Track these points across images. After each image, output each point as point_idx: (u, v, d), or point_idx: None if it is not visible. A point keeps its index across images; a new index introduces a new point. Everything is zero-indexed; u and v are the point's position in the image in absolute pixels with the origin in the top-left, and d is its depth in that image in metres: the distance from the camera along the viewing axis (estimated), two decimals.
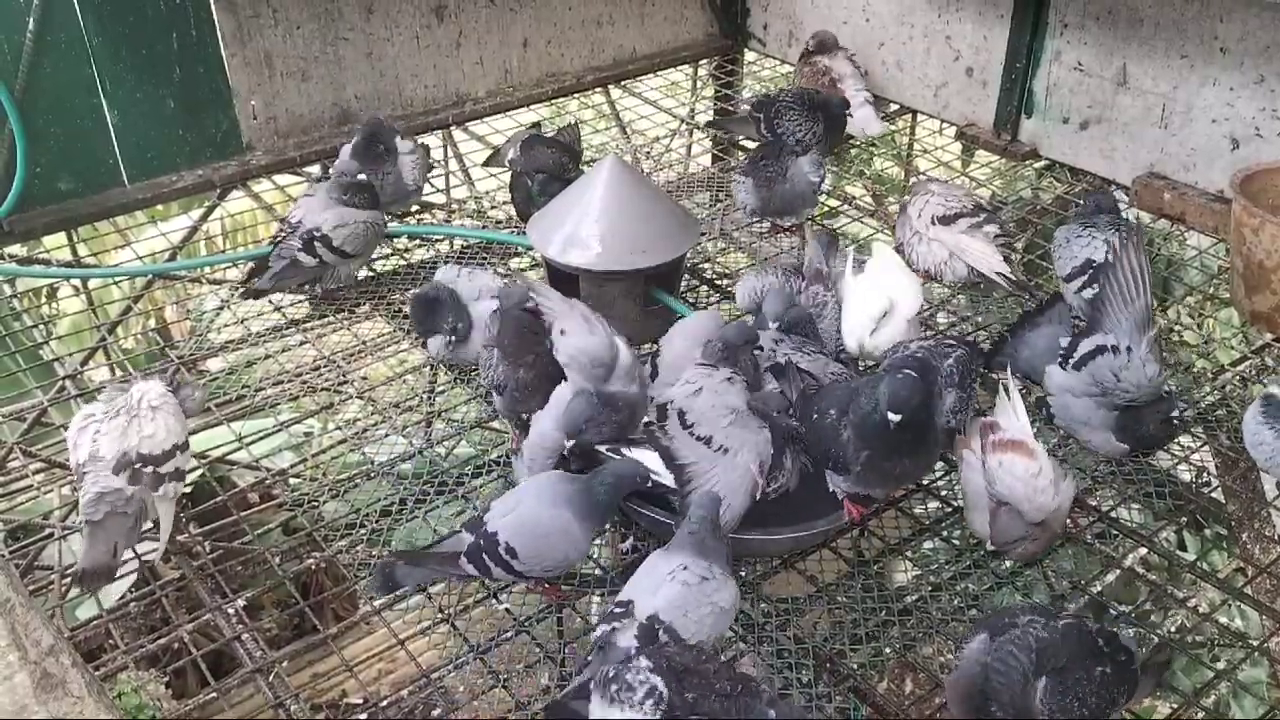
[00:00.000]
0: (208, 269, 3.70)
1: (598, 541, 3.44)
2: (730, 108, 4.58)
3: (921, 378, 2.18)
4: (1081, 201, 3.29)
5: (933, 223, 3.04)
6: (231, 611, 2.39)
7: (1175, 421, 2.47)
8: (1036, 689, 1.85)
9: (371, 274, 3.40)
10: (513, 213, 3.59)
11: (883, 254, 2.87)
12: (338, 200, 3.14)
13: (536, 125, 4.00)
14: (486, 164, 3.90)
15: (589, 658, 1.97)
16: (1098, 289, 2.49)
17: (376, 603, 2.39)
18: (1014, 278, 2.99)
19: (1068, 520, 2.38)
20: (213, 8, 3.51)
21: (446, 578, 2.23)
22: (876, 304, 2.66)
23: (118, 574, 2.32)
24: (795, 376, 2.40)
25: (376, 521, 2.46)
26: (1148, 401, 2.43)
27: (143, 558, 2.45)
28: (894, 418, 2.10)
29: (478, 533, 2.15)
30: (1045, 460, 2.25)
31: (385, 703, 2.27)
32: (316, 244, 3.07)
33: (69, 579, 2.58)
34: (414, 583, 2.23)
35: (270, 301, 3.30)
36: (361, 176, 3.27)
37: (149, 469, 2.26)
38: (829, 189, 3.74)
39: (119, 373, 3.48)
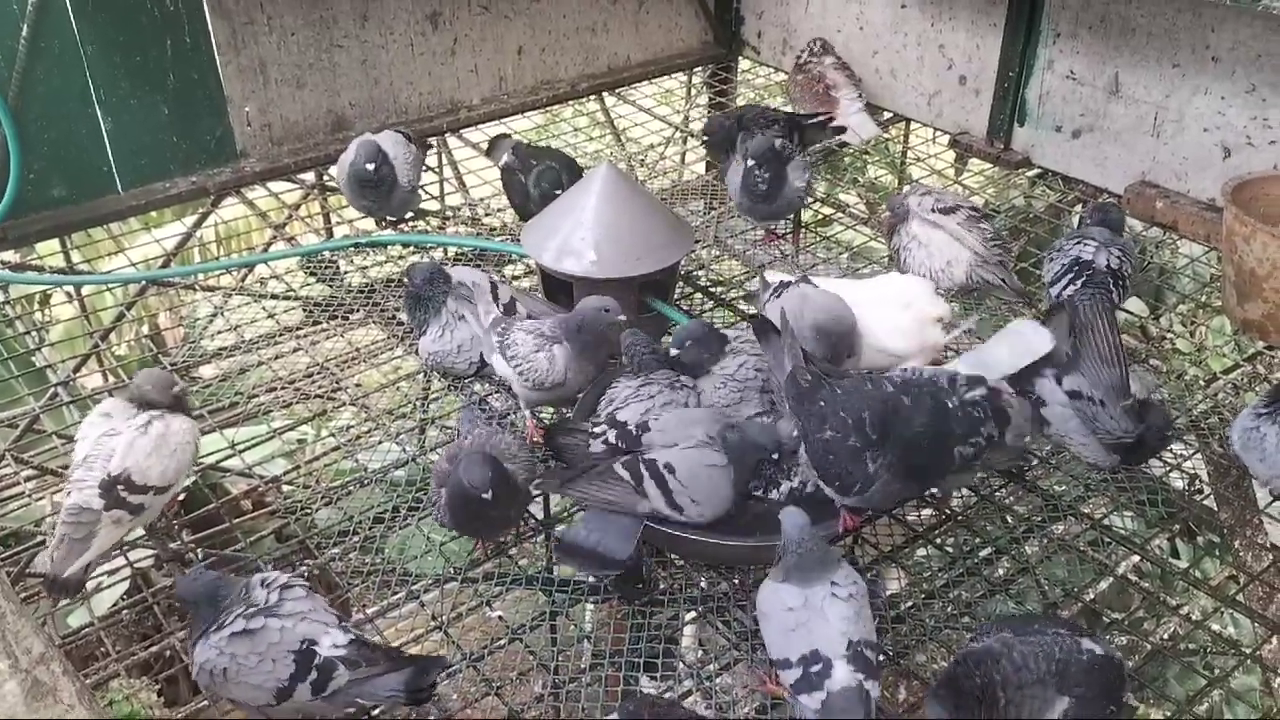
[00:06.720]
0: (201, 275, 3.70)
1: None
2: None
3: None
4: (1086, 210, 3.28)
5: (933, 210, 3.07)
6: None
7: (1168, 434, 2.47)
8: (1056, 706, 1.80)
9: (366, 280, 3.40)
10: (506, 220, 3.59)
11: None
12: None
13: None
14: (488, 154, 3.86)
15: None
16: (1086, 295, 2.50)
17: (369, 610, 2.38)
18: (1011, 283, 3.02)
19: None
20: (207, 15, 3.51)
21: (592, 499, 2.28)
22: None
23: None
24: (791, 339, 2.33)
25: (369, 529, 2.46)
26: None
27: (135, 565, 2.44)
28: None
29: (635, 450, 2.28)
30: None
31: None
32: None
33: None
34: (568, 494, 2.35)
35: (264, 308, 3.29)
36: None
37: (124, 491, 2.23)
38: (812, 197, 3.74)
39: (111, 380, 3.46)
